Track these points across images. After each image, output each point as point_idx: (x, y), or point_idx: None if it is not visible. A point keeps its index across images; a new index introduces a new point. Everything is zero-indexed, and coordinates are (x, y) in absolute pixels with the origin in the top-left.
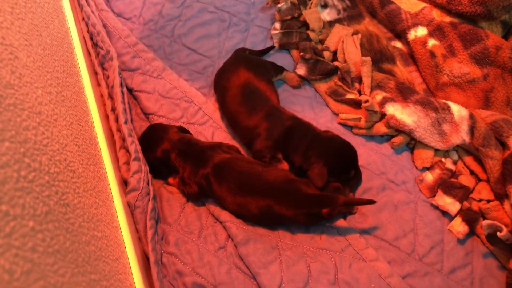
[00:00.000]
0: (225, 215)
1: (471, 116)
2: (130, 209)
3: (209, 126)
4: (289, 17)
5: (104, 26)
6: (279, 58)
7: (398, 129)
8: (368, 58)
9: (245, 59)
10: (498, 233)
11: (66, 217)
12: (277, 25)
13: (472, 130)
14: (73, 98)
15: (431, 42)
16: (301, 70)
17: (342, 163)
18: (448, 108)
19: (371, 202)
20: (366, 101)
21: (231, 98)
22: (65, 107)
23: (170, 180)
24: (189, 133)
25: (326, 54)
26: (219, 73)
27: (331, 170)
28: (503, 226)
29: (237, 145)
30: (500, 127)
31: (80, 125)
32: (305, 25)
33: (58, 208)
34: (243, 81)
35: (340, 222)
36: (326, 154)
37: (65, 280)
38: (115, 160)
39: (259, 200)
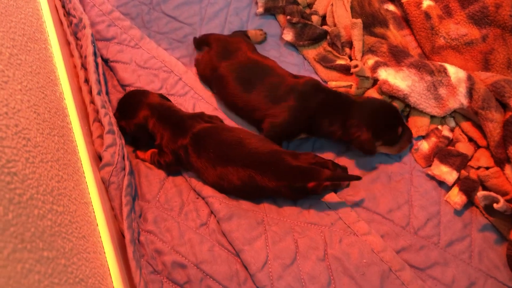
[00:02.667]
0: (207, 190)
1: (469, 78)
2: (105, 185)
3: (190, 97)
4: None
5: None
6: (265, 24)
7: (391, 95)
8: (359, 21)
9: (222, 41)
10: (495, 205)
11: (11, 187)
12: None
13: (470, 92)
14: (35, 65)
15: (426, 2)
16: (288, 36)
17: (386, 122)
18: (445, 70)
19: (357, 178)
20: (356, 66)
21: (237, 82)
22: (22, 72)
23: (140, 154)
24: (169, 101)
25: (315, 19)
26: (209, 66)
27: (377, 132)
28: (499, 197)
29: (222, 114)
30: (502, 87)
31: (43, 93)
32: None
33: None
34: (244, 61)
35: (330, 195)
36: (367, 118)
37: (2, 256)
38: (89, 133)
39: (240, 170)
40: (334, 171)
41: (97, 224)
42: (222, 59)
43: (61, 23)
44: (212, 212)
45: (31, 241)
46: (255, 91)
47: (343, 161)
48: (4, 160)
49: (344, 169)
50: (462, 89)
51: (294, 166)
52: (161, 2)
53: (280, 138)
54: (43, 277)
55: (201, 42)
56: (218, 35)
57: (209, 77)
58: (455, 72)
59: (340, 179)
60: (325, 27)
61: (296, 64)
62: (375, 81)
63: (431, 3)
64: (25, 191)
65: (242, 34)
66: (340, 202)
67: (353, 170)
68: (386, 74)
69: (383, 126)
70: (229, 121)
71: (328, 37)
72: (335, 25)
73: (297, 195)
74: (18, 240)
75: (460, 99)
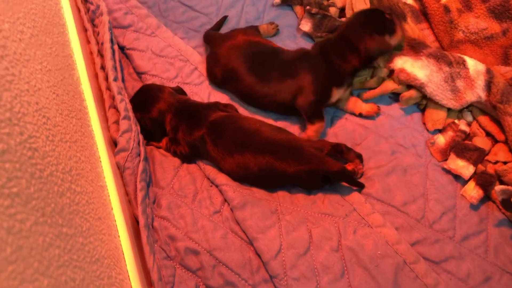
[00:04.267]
0: (221, 178)
1: (488, 71)
2: (120, 170)
3: (206, 87)
4: None
5: None
6: (281, 15)
7: (408, 84)
8: None
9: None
10: None
11: (32, 162)
12: None
13: (489, 85)
14: (55, 47)
15: None
16: (306, 26)
17: (377, 20)
18: (464, 62)
19: (361, 186)
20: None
21: (250, 72)
22: (42, 52)
23: (160, 143)
24: (185, 94)
25: (333, 10)
26: (221, 60)
27: (377, 30)
28: None
29: (236, 105)
30: None
31: (62, 76)
32: None
33: (21, 149)
34: (244, 44)
35: (344, 187)
36: (361, 29)
37: (25, 227)
38: (104, 119)
39: (259, 156)
40: (348, 153)
41: (112, 208)
42: (229, 58)
43: (79, 9)
44: (225, 200)
45: (51, 216)
46: (269, 75)
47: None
48: (26, 136)
49: (359, 155)
50: (481, 82)
51: (312, 153)
52: None
53: (321, 107)
54: (63, 252)
55: (209, 38)
56: (220, 35)
57: (220, 78)
58: (474, 65)
59: (347, 178)
60: (343, 19)
61: None
62: (391, 71)
63: None
64: (46, 167)
65: (252, 28)
66: (355, 192)
67: (367, 162)
68: (402, 62)
69: (378, 22)
70: (243, 110)
71: None
72: None
73: (315, 183)
74: (40, 213)
75: (478, 92)
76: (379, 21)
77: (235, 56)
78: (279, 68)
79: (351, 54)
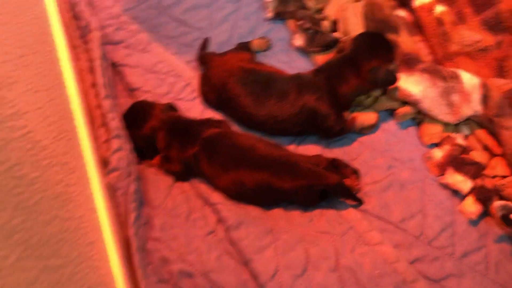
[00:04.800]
0: (215, 197)
1: (484, 85)
2: (111, 191)
3: (199, 103)
4: None
5: None
6: (274, 28)
7: (403, 101)
8: None
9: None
10: None
11: (17, 191)
12: None
13: (485, 99)
14: (43, 67)
15: (439, 8)
16: (299, 41)
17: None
18: (458, 77)
19: (359, 202)
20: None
21: (252, 101)
22: (30, 73)
23: (153, 161)
24: (176, 110)
25: (326, 24)
26: (216, 87)
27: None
28: None
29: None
30: None
31: (50, 96)
32: None
33: (4, 179)
34: (255, 75)
35: (341, 204)
36: (364, 51)
37: (7, 264)
38: (95, 138)
39: (254, 173)
40: (344, 168)
41: (103, 231)
42: (223, 82)
43: (68, 26)
44: (220, 220)
45: (37, 248)
46: (269, 104)
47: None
48: (10, 164)
49: (356, 171)
50: (476, 96)
51: (308, 168)
52: (170, 6)
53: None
54: (49, 285)
55: (201, 60)
56: (213, 56)
57: (215, 101)
58: (468, 79)
59: (345, 192)
60: (336, 34)
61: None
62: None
63: (444, 8)
64: (32, 196)
65: (243, 46)
66: (352, 209)
67: (363, 177)
68: None
69: (387, 50)
70: (237, 127)
71: (339, 44)
72: (345, 32)
73: (311, 199)
74: (23, 247)
75: (474, 106)
76: (387, 49)
77: (230, 85)
78: (279, 96)
79: (350, 78)
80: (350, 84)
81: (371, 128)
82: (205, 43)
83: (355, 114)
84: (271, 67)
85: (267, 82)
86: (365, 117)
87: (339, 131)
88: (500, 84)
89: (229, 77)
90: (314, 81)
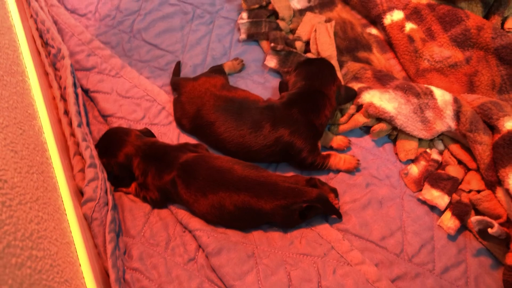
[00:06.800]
0: (194, 223)
1: (456, 100)
2: (87, 221)
3: (174, 127)
4: (256, 6)
5: (55, 22)
6: (248, 50)
7: (378, 117)
8: (334, 52)
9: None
10: (489, 230)
11: None
12: (244, 14)
13: (458, 115)
14: (12, 99)
15: (409, 26)
16: (272, 62)
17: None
18: (431, 93)
19: (339, 216)
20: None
21: (228, 125)
22: (0, 106)
23: (129, 189)
24: (153, 135)
25: (298, 44)
26: (185, 117)
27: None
28: (493, 222)
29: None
30: (489, 110)
31: (21, 129)
32: (274, 14)
33: None
34: (227, 102)
35: (321, 224)
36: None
37: None
38: (69, 168)
39: (234, 195)
40: (322, 187)
41: (80, 265)
42: (196, 108)
43: (39, 53)
44: (200, 246)
45: None
46: (244, 133)
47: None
48: None
49: (334, 190)
50: (449, 112)
51: (287, 186)
52: (141, 30)
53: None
54: None
55: (174, 86)
56: (185, 81)
57: (188, 127)
58: (441, 95)
59: (326, 206)
60: (308, 55)
61: None
62: (359, 106)
63: (414, 26)
64: (1, 239)
65: (216, 70)
66: (332, 229)
67: (342, 196)
68: (370, 96)
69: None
70: (213, 150)
71: None
72: (318, 52)
73: (291, 220)
74: None
75: (448, 122)
76: (332, 67)
77: (204, 112)
78: (253, 127)
79: (324, 106)
80: (325, 113)
81: (341, 151)
82: (177, 68)
83: (332, 153)
84: (243, 92)
85: (240, 110)
86: (343, 161)
87: (311, 163)
88: (471, 100)
89: (202, 104)
90: (289, 114)
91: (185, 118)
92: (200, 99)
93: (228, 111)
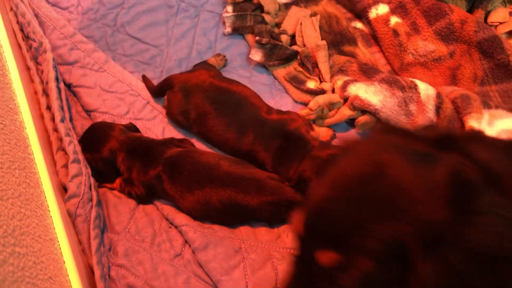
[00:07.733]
0: (180, 218)
1: (438, 96)
2: (71, 218)
3: (159, 121)
4: None
5: (36, 15)
6: (233, 44)
7: (363, 110)
8: (323, 43)
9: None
10: None
11: None
12: (230, 8)
13: (438, 110)
14: None
15: (394, 19)
16: (257, 56)
17: None
18: (415, 87)
19: None
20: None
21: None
22: None
23: (114, 184)
24: (138, 130)
25: (284, 38)
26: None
27: None
28: None
29: (192, 139)
30: (457, 107)
31: (1, 124)
32: (260, 7)
33: None
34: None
35: None
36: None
37: None
38: (52, 164)
39: (220, 190)
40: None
41: (64, 262)
42: (192, 100)
43: (20, 47)
44: (186, 242)
45: None
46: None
47: None
48: None
49: None
50: (431, 107)
51: (275, 183)
52: (125, 23)
53: None
54: None
55: (163, 86)
56: (177, 75)
57: (184, 123)
58: (425, 89)
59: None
60: (294, 47)
61: (267, 83)
62: (345, 98)
63: (399, 20)
64: None
65: (203, 65)
66: None
67: None
68: (356, 89)
69: None
70: (200, 145)
71: (298, 57)
72: (304, 45)
73: (278, 215)
74: None
75: (430, 116)
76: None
77: (200, 102)
78: (237, 131)
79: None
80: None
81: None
82: (146, 79)
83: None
84: (245, 88)
85: (237, 105)
86: (319, 132)
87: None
88: (448, 92)
89: (202, 92)
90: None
91: (181, 110)
92: (198, 88)
93: (225, 104)
